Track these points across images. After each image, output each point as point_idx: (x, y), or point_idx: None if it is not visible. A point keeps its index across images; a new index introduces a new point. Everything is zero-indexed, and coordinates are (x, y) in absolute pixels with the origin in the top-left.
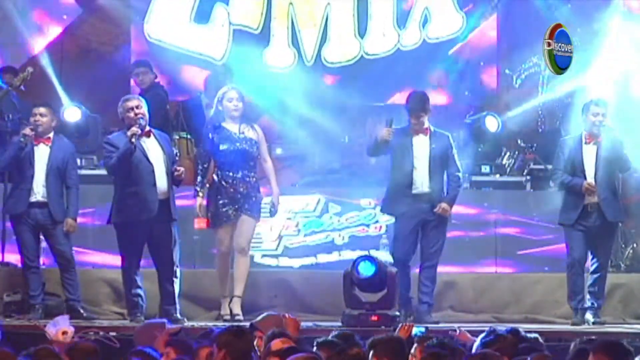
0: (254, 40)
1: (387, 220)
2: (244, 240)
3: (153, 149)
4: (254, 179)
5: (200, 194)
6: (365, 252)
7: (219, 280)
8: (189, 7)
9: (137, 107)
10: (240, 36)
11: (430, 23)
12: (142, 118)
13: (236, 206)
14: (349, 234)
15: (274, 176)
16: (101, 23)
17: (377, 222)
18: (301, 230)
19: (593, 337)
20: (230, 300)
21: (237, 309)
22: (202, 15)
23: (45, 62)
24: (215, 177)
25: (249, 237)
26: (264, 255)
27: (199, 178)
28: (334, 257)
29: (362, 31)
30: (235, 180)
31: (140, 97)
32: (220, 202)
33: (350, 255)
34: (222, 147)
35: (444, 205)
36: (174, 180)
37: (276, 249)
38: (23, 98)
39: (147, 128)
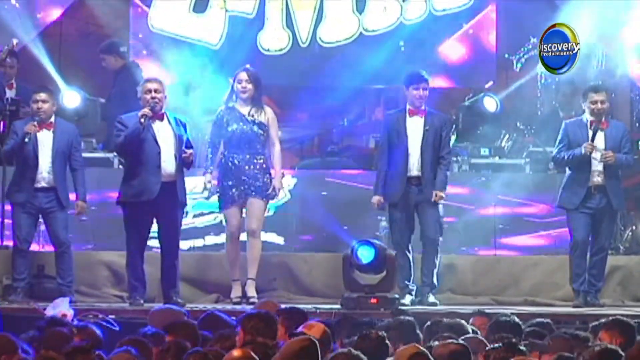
0: (248, 24)
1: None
2: (254, 222)
3: (164, 131)
4: (262, 162)
5: (209, 170)
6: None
7: (228, 263)
8: None
9: (155, 90)
10: (236, 22)
11: None
12: (156, 102)
13: (242, 188)
14: None
15: (279, 160)
16: (100, 6)
17: None
18: (189, 212)
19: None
20: (245, 283)
21: (251, 292)
22: (201, 5)
23: (42, 46)
24: (222, 157)
25: (259, 219)
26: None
27: (209, 156)
28: (222, 238)
29: (360, 7)
30: (241, 161)
31: (161, 81)
32: (227, 183)
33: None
34: (230, 128)
35: (439, 194)
36: (184, 163)
37: None
38: (21, 81)
39: (162, 111)
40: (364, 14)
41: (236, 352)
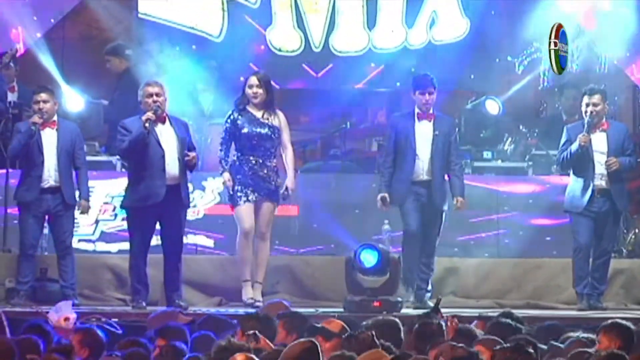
0: (252, 17)
1: (204, 204)
2: (263, 225)
3: (166, 134)
4: (274, 165)
5: (226, 167)
6: None
7: (240, 263)
8: None
9: (157, 94)
10: (236, 10)
11: (437, 25)
12: (158, 107)
13: (255, 189)
14: None
15: (292, 164)
16: (102, 10)
17: (195, 206)
18: (118, 215)
19: None
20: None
21: (258, 295)
22: None
23: (44, 49)
24: (235, 159)
25: (269, 222)
26: (80, 240)
27: (221, 154)
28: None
29: (370, 24)
30: (255, 164)
31: (162, 84)
32: (239, 183)
33: None
34: (244, 130)
35: (461, 199)
36: (187, 166)
37: (93, 233)
38: (24, 84)
39: (164, 114)
40: (373, 31)
41: (239, 357)
